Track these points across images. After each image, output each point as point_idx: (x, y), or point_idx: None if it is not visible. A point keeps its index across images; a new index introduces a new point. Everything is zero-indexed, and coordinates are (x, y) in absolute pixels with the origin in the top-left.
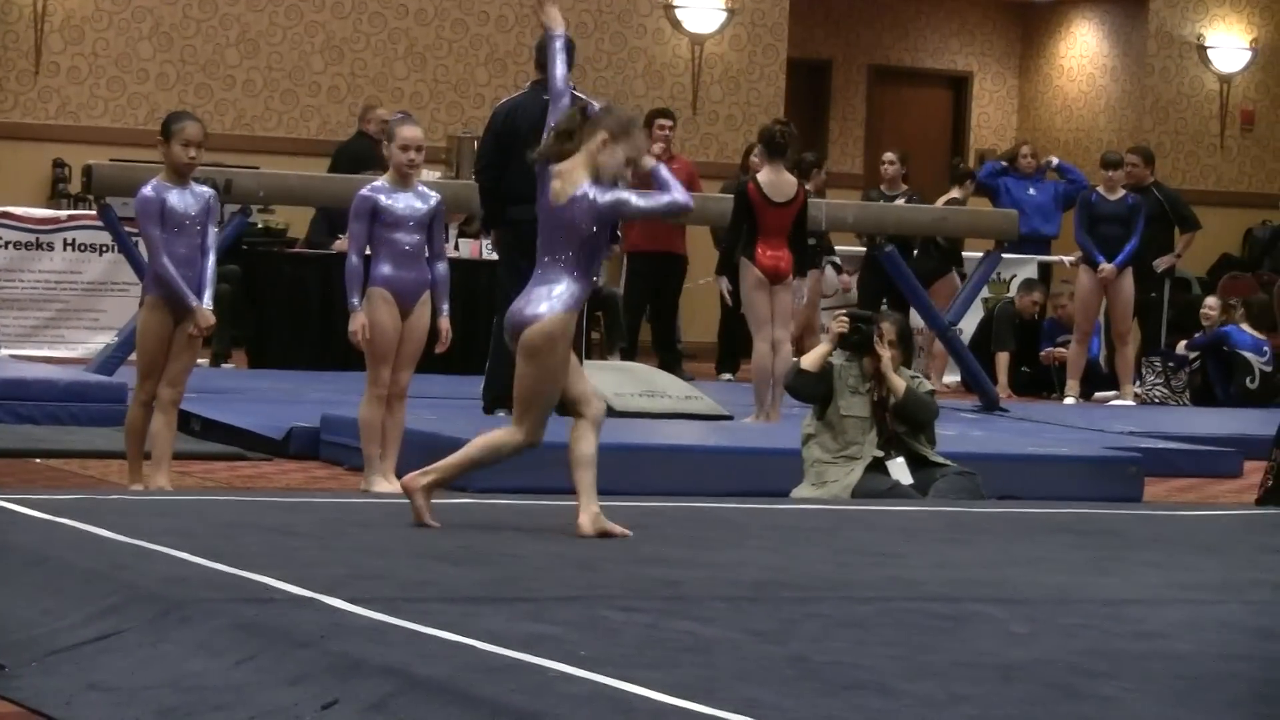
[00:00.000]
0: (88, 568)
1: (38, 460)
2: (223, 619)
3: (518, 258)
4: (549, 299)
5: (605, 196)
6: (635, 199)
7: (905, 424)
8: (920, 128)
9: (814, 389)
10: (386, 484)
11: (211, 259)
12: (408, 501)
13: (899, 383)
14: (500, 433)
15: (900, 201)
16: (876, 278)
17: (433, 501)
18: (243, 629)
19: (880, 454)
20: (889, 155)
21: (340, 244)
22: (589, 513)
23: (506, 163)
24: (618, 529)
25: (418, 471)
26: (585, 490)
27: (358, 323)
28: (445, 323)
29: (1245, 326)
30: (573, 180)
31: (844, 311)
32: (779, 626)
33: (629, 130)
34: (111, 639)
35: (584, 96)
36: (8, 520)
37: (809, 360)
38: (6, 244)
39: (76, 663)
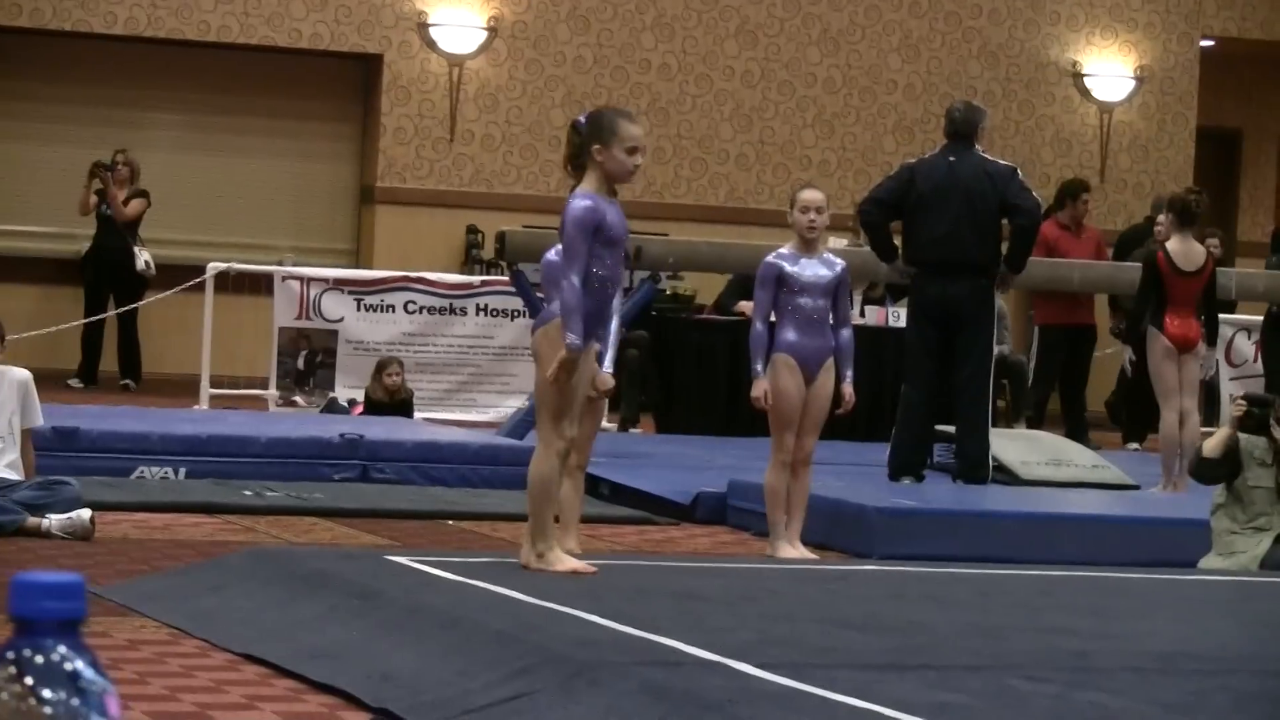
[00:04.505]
0: (499, 629)
1: (449, 523)
2: (632, 682)
3: (924, 325)
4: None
5: (569, 226)
6: (571, 280)
7: None
8: None
9: (1218, 473)
10: (792, 550)
11: (614, 323)
12: (813, 567)
13: None
14: (535, 461)
15: None
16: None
17: (842, 568)
18: (651, 692)
19: None
20: None
21: (743, 307)
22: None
23: (895, 214)
24: (565, 564)
25: (529, 552)
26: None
27: (760, 389)
28: (848, 388)
29: None
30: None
31: (1241, 396)
32: (1188, 699)
33: (613, 128)
34: (523, 699)
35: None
36: (423, 582)
37: (1211, 447)
38: (421, 309)
39: None
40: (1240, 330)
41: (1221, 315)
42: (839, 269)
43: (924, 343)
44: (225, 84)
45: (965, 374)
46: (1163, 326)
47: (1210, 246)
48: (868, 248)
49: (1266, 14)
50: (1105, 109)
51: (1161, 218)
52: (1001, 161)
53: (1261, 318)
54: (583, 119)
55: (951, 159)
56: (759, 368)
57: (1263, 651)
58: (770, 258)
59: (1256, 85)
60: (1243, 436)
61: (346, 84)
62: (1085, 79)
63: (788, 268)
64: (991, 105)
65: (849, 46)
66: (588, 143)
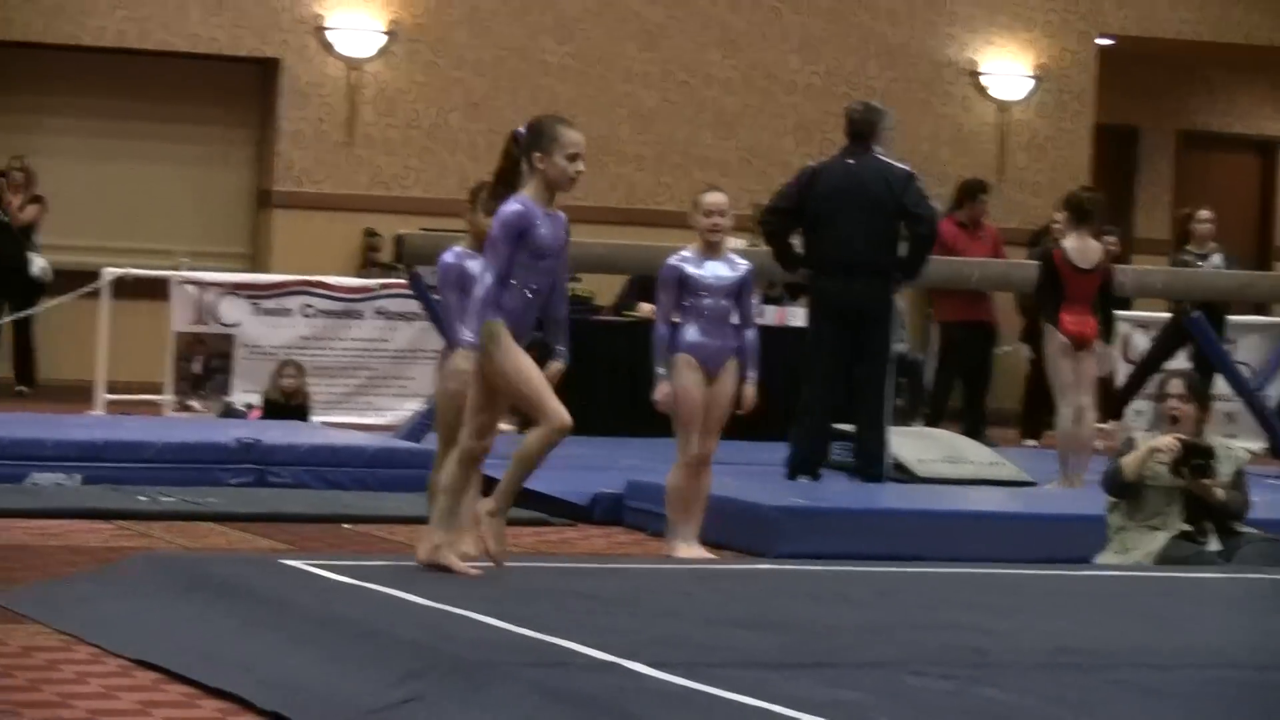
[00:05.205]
0: (393, 632)
1: (346, 526)
2: (524, 683)
3: (823, 324)
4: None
5: (495, 228)
6: (484, 280)
7: (1215, 519)
8: (1229, 194)
9: (1129, 493)
10: (690, 549)
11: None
12: (710, 567)
13: (1219, 497)
14: (530, 438)
15: (1217, 259)
16: (1173, 340)
17: (738, 567)
18: (544, 693)
19: (1188, 528)
20: (1206, 213)
21: (646, 308)
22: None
23: (796, 220)
24: (458, 565)
25: (489, 501)
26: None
27: (663, 391)
28: (750, 389)
29: None
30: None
31: (1182, 438)
32: (1082, 694)
33: (553, 134)
34: (416, 703)
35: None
36: (317, 585)
37: (1132, 470)
38: (319, 312)
39: None
40: (1137, 327)
41: (1118, 312)
42: (743, 270)
43: (822, 342)
44: (122, 89)
45: (863, 372)
46: (1059, 323)
47: (1108, 244)
48: (765, 247)
49: (1163, 12)
50: (1003, 108)
51: (1059, 216)
52: (898, 165)
53: (1156, 313)
54: (522, 130)
55: (850, 161)
56: (662, 370)
57: (1155, 645)
58: (672, 260)
59: (1153, 83)
60: (1140, 435)
61: (244, 88)
62: (983, 78)
63: (689, 269)
64: (890, 105)
65: (748, 47)
66: (528, 151)
